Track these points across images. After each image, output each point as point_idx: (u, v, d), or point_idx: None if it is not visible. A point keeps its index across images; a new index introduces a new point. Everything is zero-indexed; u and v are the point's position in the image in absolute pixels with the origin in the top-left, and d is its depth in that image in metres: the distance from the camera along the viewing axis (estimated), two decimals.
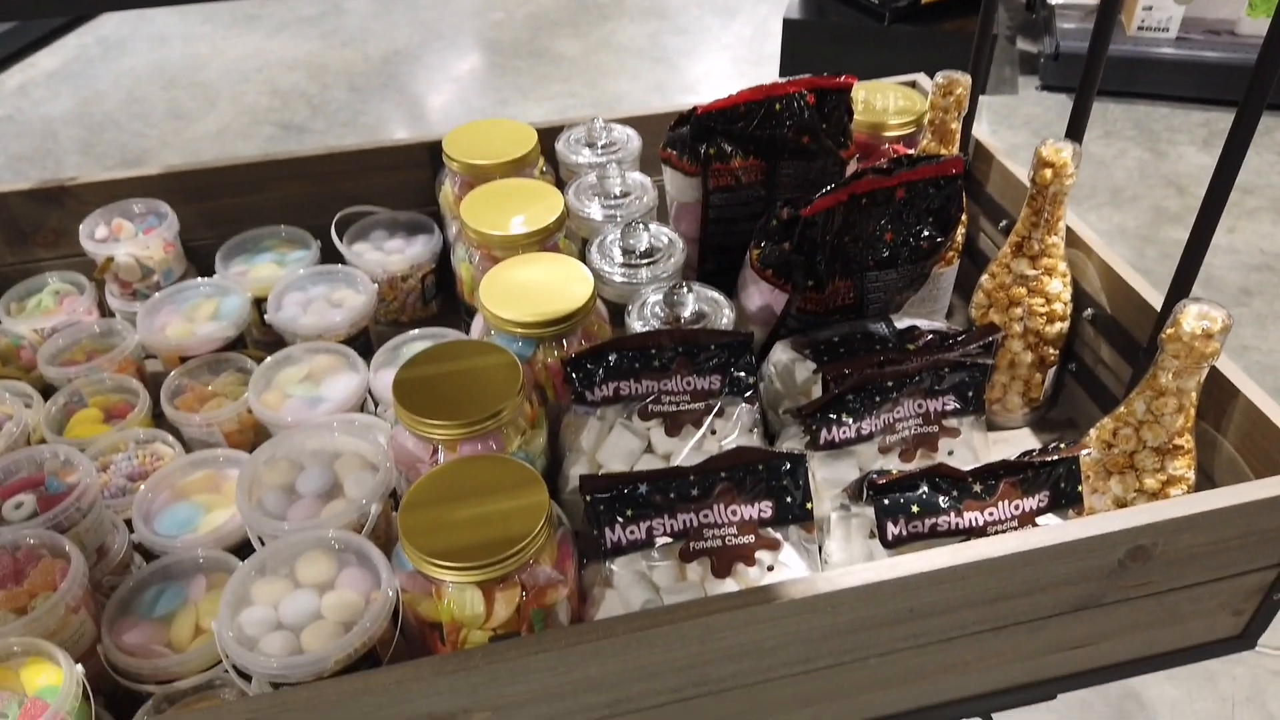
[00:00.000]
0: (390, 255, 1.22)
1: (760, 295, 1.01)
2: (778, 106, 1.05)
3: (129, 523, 0.90)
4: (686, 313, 0.95)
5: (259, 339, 1.18)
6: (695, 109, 1.05)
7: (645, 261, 1.03)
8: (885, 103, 1.22)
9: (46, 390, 1.06)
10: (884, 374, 0.83)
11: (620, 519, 0.73)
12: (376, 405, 1.05)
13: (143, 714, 0.76)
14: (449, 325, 1.19)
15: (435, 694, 0.65)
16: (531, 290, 0.94)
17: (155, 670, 0.76)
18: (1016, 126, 3.12)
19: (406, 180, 1.27)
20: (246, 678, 0.70)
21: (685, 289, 0.95)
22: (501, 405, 0.81)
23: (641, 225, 1.04)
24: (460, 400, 0.81)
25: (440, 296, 1.27)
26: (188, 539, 0.86)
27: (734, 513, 0.74)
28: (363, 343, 1.13)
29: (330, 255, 1.21)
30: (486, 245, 1.04)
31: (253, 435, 1.07)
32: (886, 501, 0.72)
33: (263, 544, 0.80)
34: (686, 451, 0.87)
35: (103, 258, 1.13)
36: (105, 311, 1.20)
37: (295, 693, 0.63)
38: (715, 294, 0.98)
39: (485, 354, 0.86)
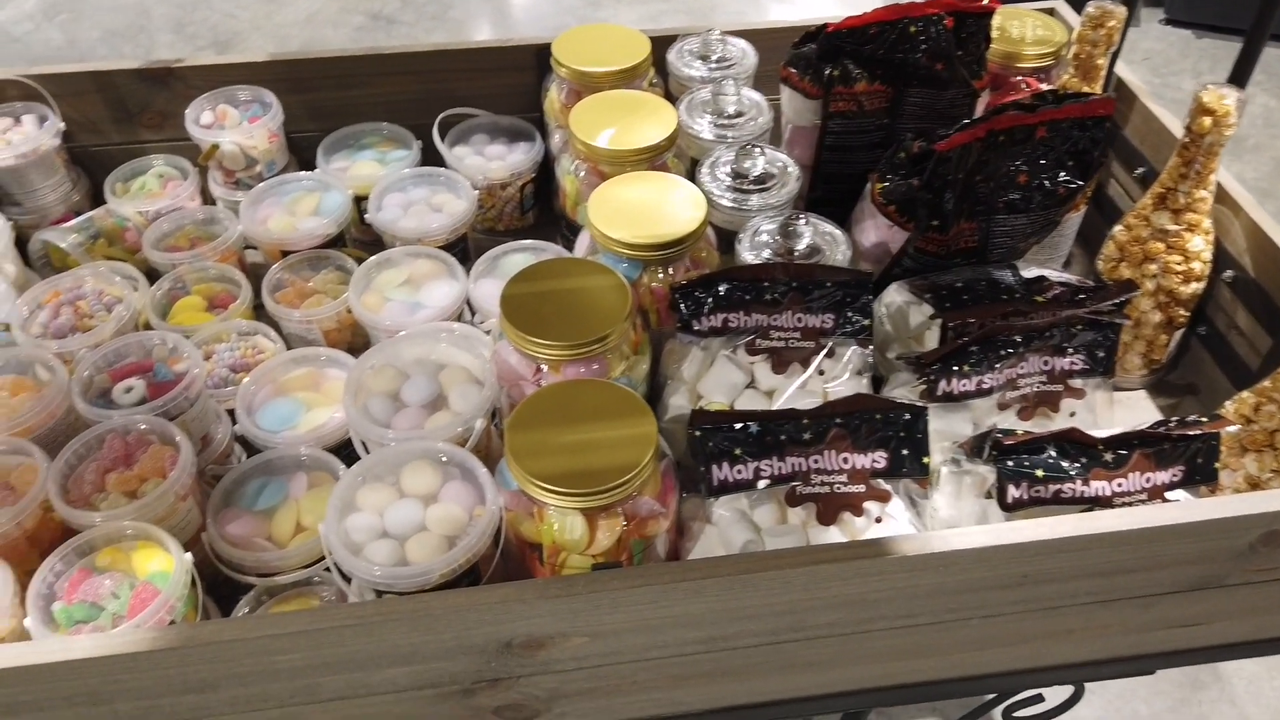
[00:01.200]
0: (491, 161, 1.19)
1: (877, 231, 0.96)
2: (912, 29, 0.99)
3: (231, 413, 0.92)
4: (801, 245, 0.91)
5: (357, 237, 1.17)
6: (825, 26, 0.99)
7: (757, 188, 0.99)
8: (1022, 31, 1.14)
9: (150, 274, 1.07)
10: (1013, 326, 0.79)
11: (728, 458, 0.72)
12: (473, 315, 1.04)
13: (244, 604, 0.78)
14: (545, 237, 1.16)
15: (536, 616, 0.65)
16: (641, 210, 0.90)
17: (258, 563, 0.77)
18: (1135, 62, 2.93)
19: (511, 84, 1.23)
20: (348, 579, 0.71)
21: (802, 221, 0.91)
22: (610, 329, 0.79)
23: (757, 149, 0.99)
24: (568, 321, 0.79)
25: (537, 207, 1.24)
26: (288, 435, 0.87)
27: (845, 460, 0.72)
28: (460, 250, 1.11)
29: (430, 157, 1.19)
30: (594, 159, 1.00)
31: (350, 335, 1.07)
32: (1011, 463, 0.69)
33: (366, 449, 0.80)
34: (792, 391, 0.84)
35: (208, 144, 1.12)
36: (207, 198, 1.20)
37: (400, 603, 0.63)
38: (832, 228, 0.94)
39: (594, 274, 0.84)
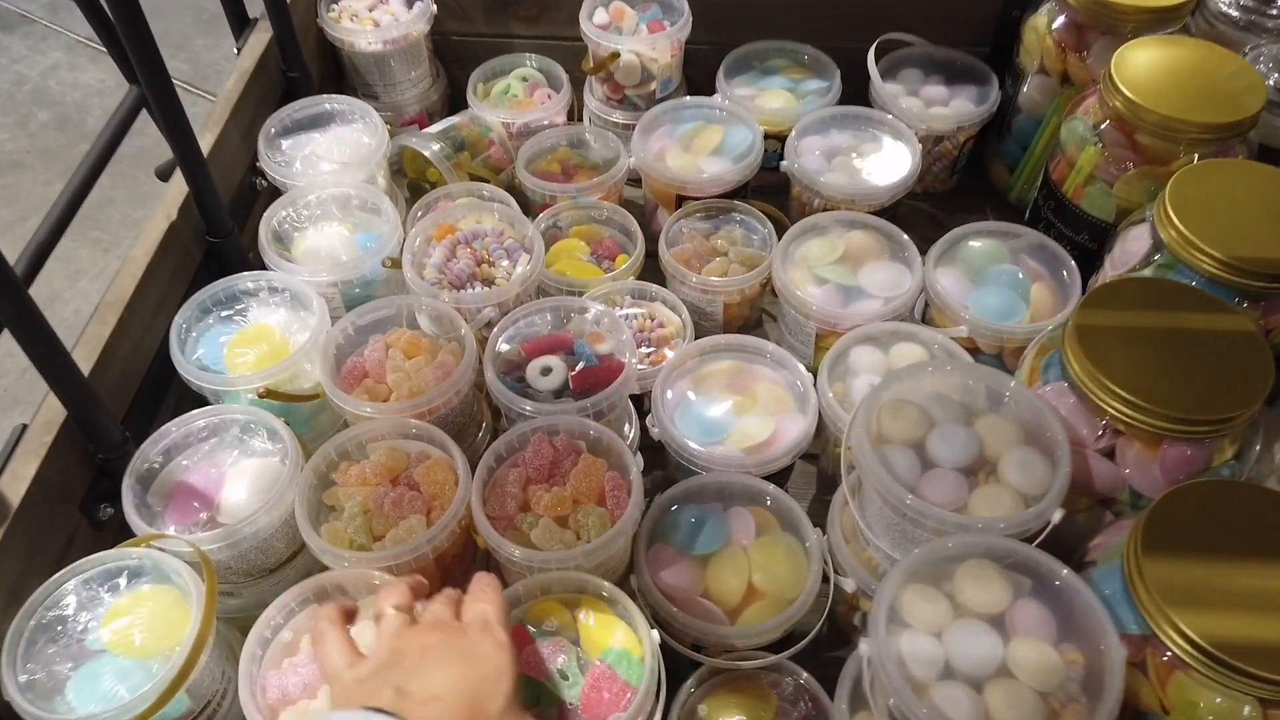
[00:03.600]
0: (931, 106, 0.94)
1: None
2: None
3: (636, 403, 0.73)
4: None
5: (755, 185, 0.95)
6: None
7: None
8: None
9: (513, 194, 0.89)
10: None
11: None
12: (924, 313, 0.81)
13: (689, 687, 0.59)
14: (971, 207, 0.96)
15: None
16: (1241, 217, 0.64)
17: (704, 633, 0.59)
18: None
19: (964, 7, 0.96)
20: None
21: None
22: (1243, 409, 0.54)
23: None
24: (1177, 380, 0.55)
25: (967, 168, 0.99)
26: (718, 452, 0.67)
27: None
28: (889, 217, 0.87)
29: (850, 92, 0.94)
30: (1141, 127, 0.73)
31: (748, 309, 0.87)
32: None
33: (857, 503, 0.59)
34: None
35: (605, 50, 0.92)
36: (574, 113, 1.01)
37: None
38: None
39: (1212, 314, 0.59)
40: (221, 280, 0.69)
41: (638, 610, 0.54)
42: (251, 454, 0.62)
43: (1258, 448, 0.60)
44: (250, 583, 0.60)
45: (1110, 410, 0.56)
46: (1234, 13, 0.85)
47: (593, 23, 0.93)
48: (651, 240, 0.86)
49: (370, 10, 0.95)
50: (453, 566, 0.61)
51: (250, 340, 0.67)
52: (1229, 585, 0.47)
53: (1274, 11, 0.85)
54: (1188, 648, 0.46)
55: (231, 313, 0.68)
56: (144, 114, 0.77)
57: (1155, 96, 0.72)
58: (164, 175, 0.86)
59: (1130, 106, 0.73)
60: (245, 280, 0.69)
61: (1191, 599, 0.47)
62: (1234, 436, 0.58)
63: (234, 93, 0.78)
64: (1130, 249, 0.70)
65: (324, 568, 0.57)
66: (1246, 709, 0.46)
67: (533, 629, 0.54)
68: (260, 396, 0.64)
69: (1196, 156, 0.73)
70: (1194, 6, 0.83)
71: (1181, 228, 0.64)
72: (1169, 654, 0.47)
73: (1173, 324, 0.59)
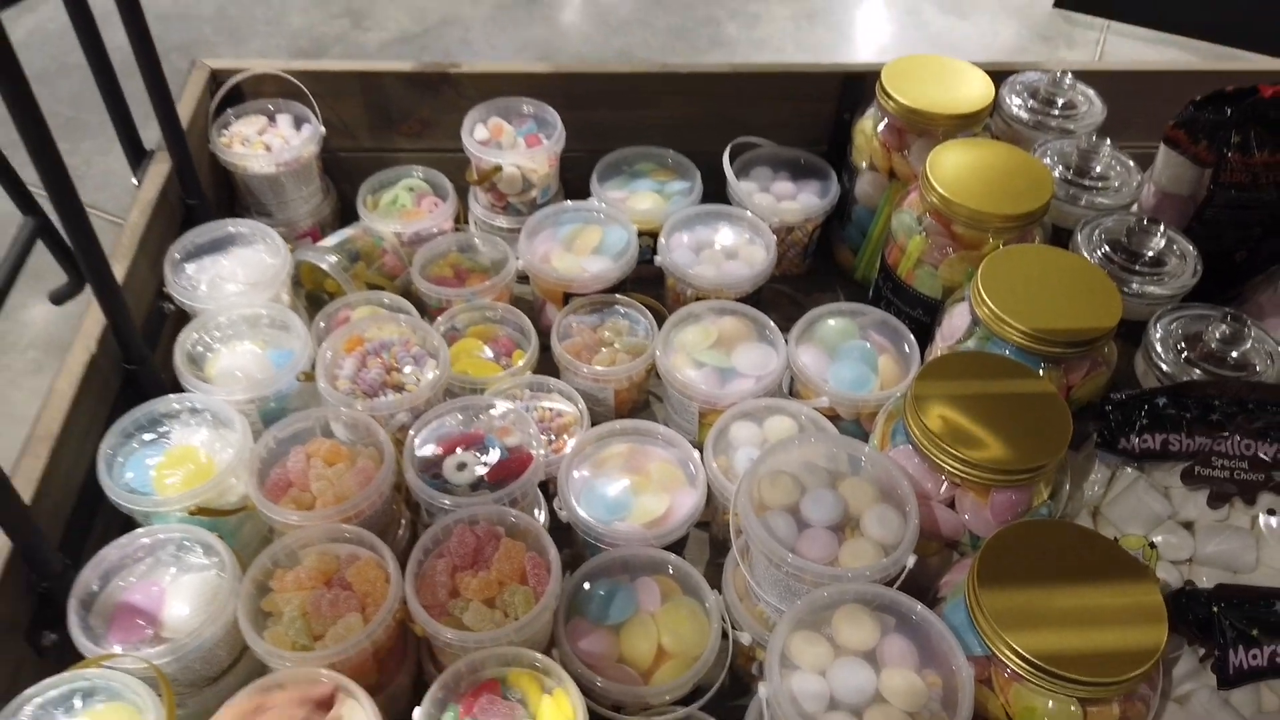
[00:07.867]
0: (781, 200, 1.06)
1: None
2: None
3: (542, 488, 0.80)
4: (1234, 354, 0.77)
5: (632, 278, 1.04)
6: (1256, 89, 0.85)
7: (1151, 272, 0.85)
8: None
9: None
10: None
11: (1245, 640, 0.59)
12: (791, 387, 0.92)
13: None
14: (822, 288, 1.09)
15: None
16: (1041, 293, 0.77)
17: (622, 695, 0.66)
18: None
19: (803, 112, 1.10)
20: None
21: (1242, 324, 0.77)
22: (1054, 455, 0.66)
23: (1155, 224, 0.85)
24: (998, 438, 0.67)
25: (816, 253, 1.11)
26: (621, 529, 0.75)
27: None
28: (753, 302, 0.99)
29: (709, 190, 1.06)
30: (954, 218, 0.86)
31: (637, 393, 0.95)
32: None
33: (749, 570, 0.68)
34: (1226, 534, 0.71)
35: (488, 164, 1.00)
36: (460, 217, 1.08)
37: None
38: (1265, 335, 0.80)
39: (1021, 379, 0.71)
40: (143, 405, 0.72)
41: (577, 693, 0.60)
42: (189, 569, 0.66)
43: (1068, 487, 0.73)
44: (195, 692, 0.64)
45: (947, 467, 0.67)
46: (1024, 115, 1.01)
47: (474, 139, 1.01)
48: (543, 334, 0.94)
49: (260, 134, 1.00)
50: (388, 659, 0.66)
51: (176, 461, 0.71)
52: (1051, 607, 0.58)
53: (1055, 113, 1.01)
54: (1021, 663, 0.56)
55: (155, 436, 0.72)
56: None
57: (964, 192, 0.86)
58: (58, 300, 0.88)
59: (944, 202, 0.86)
60: (166, 404, 0.73)
61: (1021, 621, 0.57)
62: (1047, 480, 0.70)
63: (139, 224, 0.83)
64: (955, 323, 0.83)
65: (265, 671, 0.62)
66: (1073, 708, 0.57)
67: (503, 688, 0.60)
68: (191, 514, 0.68)
69: (1003, 242, 0.87)
70: (991, 110, 0.98)
71: (992, 305, 0.76)
72: (1009, 670, 0.57)
73: (991, 390, 0.70)
